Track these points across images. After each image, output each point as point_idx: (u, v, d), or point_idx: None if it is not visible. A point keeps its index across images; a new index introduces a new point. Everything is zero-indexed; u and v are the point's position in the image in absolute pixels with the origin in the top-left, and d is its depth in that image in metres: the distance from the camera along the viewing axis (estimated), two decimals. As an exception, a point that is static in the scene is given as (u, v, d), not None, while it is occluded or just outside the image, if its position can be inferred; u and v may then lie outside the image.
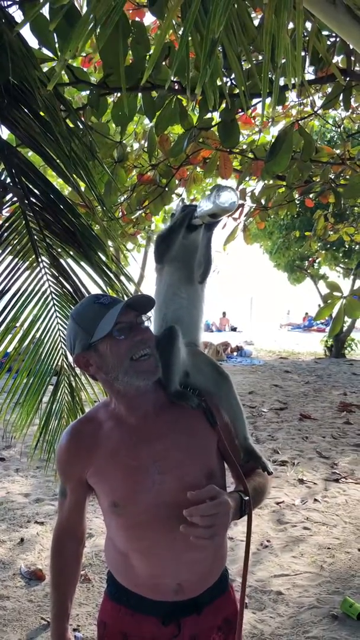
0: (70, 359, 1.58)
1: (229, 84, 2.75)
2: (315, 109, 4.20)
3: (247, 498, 1.27)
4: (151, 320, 1.35)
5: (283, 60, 1.29)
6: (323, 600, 3.03)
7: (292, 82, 1.40)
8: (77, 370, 2.90)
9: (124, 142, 3.16)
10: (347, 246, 12.69)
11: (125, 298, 1.85)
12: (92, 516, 3.94)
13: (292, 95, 5.59)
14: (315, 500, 4.47)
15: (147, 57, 2.39)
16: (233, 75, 2.59)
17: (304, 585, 3.19)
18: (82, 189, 2.44)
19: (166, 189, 3.55)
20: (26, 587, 3.21)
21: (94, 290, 2.56)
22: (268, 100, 2.69)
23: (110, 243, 2.58)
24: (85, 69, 2.98)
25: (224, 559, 1.43)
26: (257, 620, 2.87)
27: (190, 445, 1.32)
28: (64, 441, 1.39)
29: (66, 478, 1.42)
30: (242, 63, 2.00)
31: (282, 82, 2.88)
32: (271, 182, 4.50)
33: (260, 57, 2.66)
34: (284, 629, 2.79)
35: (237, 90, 2.64)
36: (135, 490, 1.29)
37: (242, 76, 1.86)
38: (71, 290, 2.66)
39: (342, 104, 3.03)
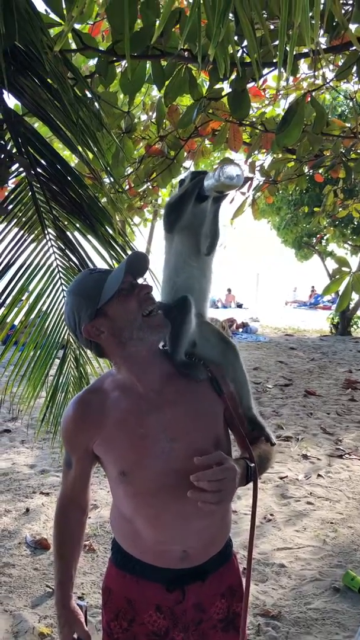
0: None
1: (240, 52, 2.67)
2: (328, 80, 4.10)
3: (252, 465, 1.28)
4: (147, 281, 1.36)
5: (298, 23, 1.24)
6: (325, 573, 3.06)
7: (306, 50, 1.36)
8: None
9: (131, 112, 3.10)
10: (355, 223, 12.55)
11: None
12: (97, 487, 3.99)
13: (303, 67, 5.46)
14: (319, 475, 4.50)
15: (157, 23, 2.33)
16: (245, 44, 2.52)
17: (307, 559, 3.23)
18: (90, 159, 2.39)
19: (174, 161, 3.49)
20: (31, 556, 3.26)
21: (100, 263, 2.55)
22: (279, 73, 2.63)
23: (117, 216, 2.55)
24: (94, 38, 2.91)
25: (229, 528, 1.44)
26: (260, 592, 2.91)
27: (198, 413, 1.32)
28: (70, 411, 1.39)
29: (72, 448, 1.42)
30: (255, 30, 1.94)
31: (295, 51, 2.81)
32: (280, 155, 4.43)
33: (272, 27, 2.57)
34: (285, 601, 2.83)
35: (248, 59, 2.58)
36: (144, 457, 1.29)
37: (254, 43, 1.80)
38: (77, 263, 2.64)
39: (355, 75, 2.95)
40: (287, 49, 1.26)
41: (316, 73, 5.70)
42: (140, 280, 1.34)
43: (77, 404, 1.39)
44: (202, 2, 1.49)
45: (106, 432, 1.33)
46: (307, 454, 5.00)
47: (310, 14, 1.20)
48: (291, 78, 6.00)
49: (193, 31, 2.37)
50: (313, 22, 1.43)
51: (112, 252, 2.51)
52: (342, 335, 14.10)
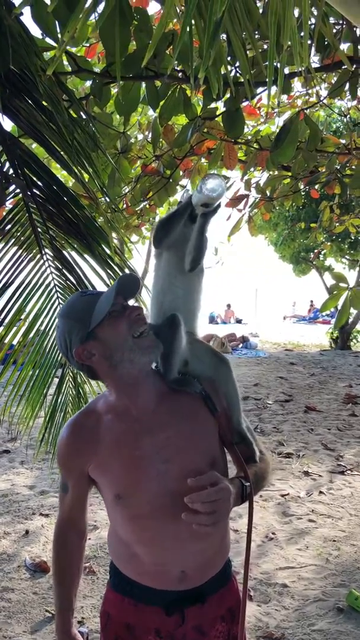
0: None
1: (233, 72, 2.71)
2: (321, 98, 4.15)
3: (247, 484, 1.27)
4: (138, 303, 1.36)
5: (289, 44, 1.26)
6: (328, 593, 3.02)
7: (298, 69, 1.38)
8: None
9: (127, 132, 3.12)
10: (352, 238, 12.60)
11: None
12: (97, 508, 3.95)
13: (297, 86, 5.53)
14: (321, 492, 4.46)
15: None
16: (237, 64, 2.55)
17: (309, 578, 3.18)
18: (86, 180, 2.41)
19: (170, 180, 3.51)
20: (31, 579, 3.21)
21: (97, 282, 2.55)
22: (273, 90, 2.64)
23: (114, 235, 2.56)
24: (89, 60, 2.94)
25: (228, 549, 1.43)
26: (262, 613, 2.86)
27: (193, 433, 1.32)
28: (64, 435, 1.38)
29: (67, 472, 1.41)
30: (247, 51, 1.97)
31: (287, 70, 2.84)
32: (276, 172, 4.46)
33: (265, 46, 2.60)
34: (289, 622, 2.78)
35: (241, 79, 2.61)
36: (139, 480, 1.28)
37: (246, 63, 1.83)
38: (75, 282, 2.65)
39: (348, 93, 2.99)
40: (278, 67, 1.27)
41: (310, 91, 5.77)
42: (131, 302, 1.34)
43: (71, 427, 1.38)
44: (193, 23, 1.51)
45: (101, 455, 1.32)
46: (308, 470, 4.96)
47: (301, 34, 1.21)
48: (285, 96, 6.08)
49: (185, 52, 2.41)
50: (302, 42, 1.45)
51: (109, 272, 2.51)
52: (341, 349, 14.07)
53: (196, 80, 2.46)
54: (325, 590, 3.05)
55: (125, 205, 4.11)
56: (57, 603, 1.46)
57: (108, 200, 2.52)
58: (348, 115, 4.10)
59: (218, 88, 1.96)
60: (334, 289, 3.23)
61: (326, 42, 2.41)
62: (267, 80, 2.69)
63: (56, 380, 2.87)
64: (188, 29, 1.29)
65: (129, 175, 3.70)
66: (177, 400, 1.34)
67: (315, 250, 14.14)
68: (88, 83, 3.44)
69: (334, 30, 2.73)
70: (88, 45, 3.35)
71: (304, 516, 4.00)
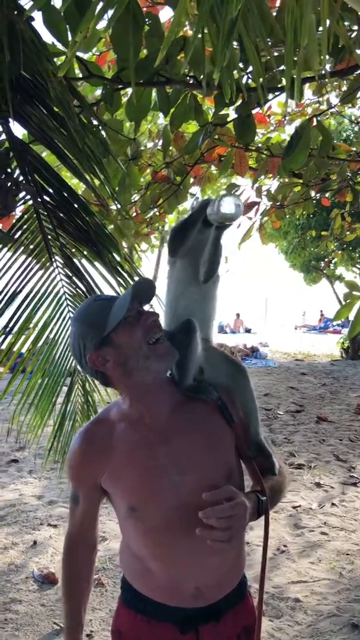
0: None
1: (245, 78, 2.68)
2: (334, 105, 4.12)
3: (264, 498, 1.22)
4: (153, 308, 1.33)
5: (304, 45, 1.22)
6: (342, 608, 2.95)
7: (315, 74, 1.35)
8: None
9: (137, 139, 3.11)
10: (363, 246, 12.54)
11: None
12: (106, 519, 3.90)
13: (307, 93, 5.51)
14: (333, 504, 4.38)
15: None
16: (249, 69, 2.53)
17: (323, 593, 3.11)
18: (96, 186, 2.39)
19: (181, 187, 3.49)
20: (39, 591, 3.17)
21: (107, 290, 2.52)
22: (284, 97, 2.62)
23: (124, 243, 2.53)
24: (100, 66, 2.94)
25: (243, 565, 1.38)
26: (275, 629, 2.79)
27: (208, 444, 1.27)
28: (76, 445, 1.34)
29: (79, 483, 1.36)
30: (260, 55, 1.94)
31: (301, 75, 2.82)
32: (287, 180, 4.43)
33: (276, 54, 2.57)
34: (302, 638, 2.71)
35: (253, 85, 2.58)
36: (154, 492, 1.24)
37: (259, 68, 1.80)
38: (85, 290, 2.63)
39: (361, 98, 2.96)
40: (294, 75, 1.24)
41: (320, 99, 5.75)
42: (146, 307, 1.31)
43: (83, 436, 1.34)
44: (206, 28, 1.48)
45: (114, 465, 1.28)
46: (320, 482, 4.89)
47: (318, 35, 1.18)
48: (295, 104, 6.07)
49: (197, 57, 2.39)
50: (320, 45, 1.42)
51: (119, 279, 2.49)
52: (352, 359, 13.96)
53: (208, 85, 2.44)
54: (339, 605, 2.97)
55: (134, 213, 4.09)
56: (66, 618, 1.42)
57: (119, 207, 2.50)
58: (357, 124, 4.05)
59: (231, 93, 1.95)
60: (348, 298, 3.18)
61: (340, 46, 2.38)
62: (279, 85, 2.67)
63: (65, 388, 2.84)
64: (200, 33, 1.26)
65: (139, 182, 3.68)
66: (192, 409, 1.30)
67: (326, 259, 14.08)
68: (98, 92, 3.44)
69: (349, 34, 2.71)
70: (99, 54, 3.35)
71: (316, 528, 3.93)
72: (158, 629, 1.29)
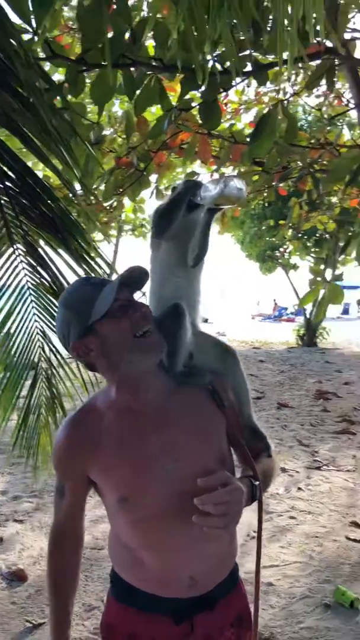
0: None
1: (211, 62, 2.64)
2: (295, 92, 4.12)
3: (257, 483, 1.21)
4: (146, 297, 1.28)
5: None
6: (314, 589, 2.99)
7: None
8: (55, 363, 2.80)
9: (100, 123, 3.03)
10: (317, 235, 12.74)
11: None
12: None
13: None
14: (299, 489, 4.44)
15: (129, 30, 2.28)
16: (216, 52, 2.49)
17: (295, 575, 3.15)
18: (63, 170, 2.31)
19: (144, 173, 3.43)
20: (8, 589, 3.08)
21: (73, 279, 2.45)
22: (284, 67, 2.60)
23: (92, 229, 2.46)
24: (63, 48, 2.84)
25: (236, 551, 1.36)
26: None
27: (201, 430, 1.24)
28: (62, 435, 1.28)
29: (65, 475, 1.31)
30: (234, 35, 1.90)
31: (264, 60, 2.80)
32: (247, 168, 4.42)
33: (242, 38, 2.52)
34: (277, 621, 2.74)
35: (220, 69, 2.54)
36: (146, 481, 1.20)
37: (234, 48, 1.77)
38: (49, 280, 2.54)
39: (325, 84, 2.96)
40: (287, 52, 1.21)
41: (278, 87, 5.77)
42: (139, 294, 1.25)
43: (70, 426, 1.28)
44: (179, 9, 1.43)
45: (103, 456, 1.23)
46: (285, 467, 4.95)
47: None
48: (253, 93, 6.05)
49: (163, 37, 2.33)
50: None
51: (85, 267, 2.42)
52: (308, 346, 14.24)
53: (175, 68, 2.39)
54: (311, 587, 3.02)
55: (94, 201, 4.01)
56: (52, 615, 1.37)
57: (84, 192, 2.43)
58: (323, 109, 4.09)
59: (203, 75, 1.90)
60: (313, 284, 3.20)
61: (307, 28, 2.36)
62: (245, 70, 2.63)
63: (28, 382, 2.76)
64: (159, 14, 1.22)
65: (101, 169, 3.60)
66: (183, 395, 1.26)
67: (282, 249, 14.26)
68: (56, 77, 3.34)
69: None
70: (59, 33, 3.24)
71: (284, 513, 3.98)
72: (151, 621, 1.25)
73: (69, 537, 1.37)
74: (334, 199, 7.09)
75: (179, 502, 1.16)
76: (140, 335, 1.18)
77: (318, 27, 1.73)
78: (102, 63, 2.33)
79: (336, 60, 2.79)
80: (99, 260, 2.58)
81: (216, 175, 4.63)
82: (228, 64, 2.54)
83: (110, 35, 2.26)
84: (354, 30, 3.11)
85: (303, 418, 6.71)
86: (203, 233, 1.31)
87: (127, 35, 2.32)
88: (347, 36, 2.82)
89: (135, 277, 1.22)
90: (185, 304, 1.28)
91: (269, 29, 2.36)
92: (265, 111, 5.14)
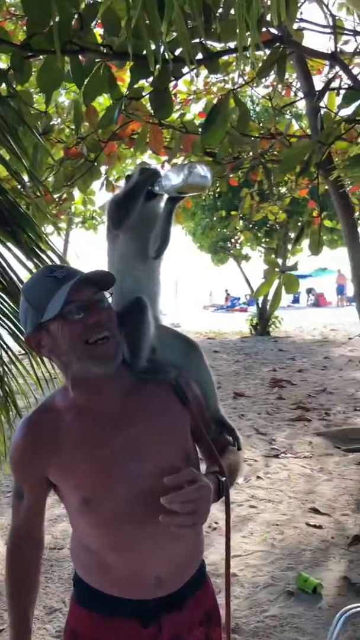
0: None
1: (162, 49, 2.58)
2: (247, 79, 4.11)
3: (224, 479, 1.19)
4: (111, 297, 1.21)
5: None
6: (277, 577, 3.02)
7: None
8: (6, 360, 2.71)
9: (48, 112, 2.93)
10: (268, 226, 12.87)
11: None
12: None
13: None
14: (258, 477, 4.48)
15: (76, 15, 2.20)
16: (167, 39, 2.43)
17: (257, 565, 3.17)
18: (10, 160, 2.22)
19: (95, 163, 3.35)
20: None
21: (23, 274, 2.37)
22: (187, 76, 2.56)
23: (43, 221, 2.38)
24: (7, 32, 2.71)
25: (202, 548, 1.34)
26: (214, 605, 2.81)
27: (165, 427, 1.21)
28: (19, 436, 1.22)
29: (23, 477, 1.25)
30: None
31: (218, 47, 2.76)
32: (198, 158, 4.40)
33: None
34: (242, 611, 2.74)
35: (171, 56, 2.49)
36: (109, 482, 1.16)
37: (186, 34, 1.72)
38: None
39: (276, 72, 2.95)
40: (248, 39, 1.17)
41: (226, 77, 5.75)
42: (106, 294, 1.17)
43: (27, 427, 1.22)
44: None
45: (63, 457, 1.18)
46: (243, 456, 4.98)
47: None
48: (201, 83, 6.01)
49: (112, 22, 2.26)
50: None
51: (36, 261, 2.34)
52: (261, 335, 14.43)
53: (125, 55, 2.32)
54: (273, 575, 3.04)
55: (43, 193, 3.89)
56: (12, 622, 1.31)
57: (33, 183, 2.34)
58: (272, 98, 4.09)
59: (155, 61, 1.85)
60: (268, 274, 3.21)
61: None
62: (197, 58, 2.59)
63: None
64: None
65: (49, 160, 3.49)
66: (145, 392, 1.22)
67: (233, 239, 14.35)
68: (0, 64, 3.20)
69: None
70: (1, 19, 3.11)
71: (244, 502, 4.00)
72: (117, 625, 1.21)
73: (28, 541, 1.32)
74: (283, 190, 7.18)
75: (143, 502, 1.13)
76: (92, 342, 1.12)
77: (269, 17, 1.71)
78: (49, 49, 2.24)
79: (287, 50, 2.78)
80: (50, 253, 2.51)
81: (168, 167, 4.57)
82: (178, 52, 2.51)
83: (57, 20, 2.18)
84: (302, 20, 3.11)
85: (259, 407, 6.79)
86: (165, 223, 1.27)
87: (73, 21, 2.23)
88: (294, 26, 2.83)
89: (101, 276, 1.15)
90: (147, 297, 1.24)
91: (219, 14, 2.33)
92: (215, 101, 5.11)
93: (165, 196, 1.25)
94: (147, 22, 1.73)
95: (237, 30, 1.23)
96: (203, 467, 1.30)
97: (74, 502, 1.20)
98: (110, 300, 1.17)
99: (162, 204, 1.30)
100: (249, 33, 1.57)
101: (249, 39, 1.26)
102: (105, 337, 1.13)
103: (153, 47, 1.70)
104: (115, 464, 1.16)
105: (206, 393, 1.31)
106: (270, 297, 2.89)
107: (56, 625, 2.71)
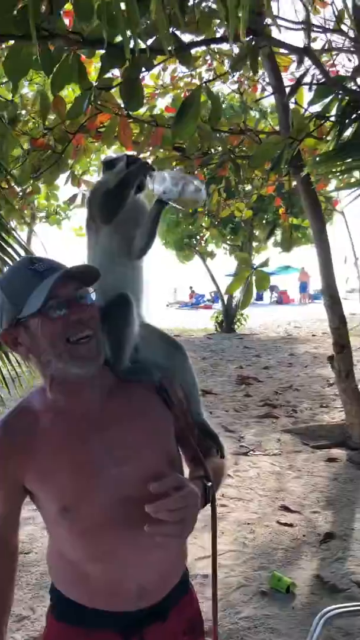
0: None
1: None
2: (216, 74, 4.07)
3: (210, 484, 1.14)
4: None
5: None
6: (250, 577, 2.98)
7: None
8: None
9: (15, 102, 2.82)
10: (234, 223, 12.90)
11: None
12: None
13: (180, 67, 5.44)
14: (228, 475, 4.45)
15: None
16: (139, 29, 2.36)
17: (229, 565, 3.13)
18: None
19: (62, 155, 3.25)
20: None
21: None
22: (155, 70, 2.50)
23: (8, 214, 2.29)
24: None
25: (186, 556, 1.28)
26: (187, 608, 2.76)
27: (148, 430, 1.14)
28: None
29: None
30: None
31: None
32: (167, 153, 4.34)
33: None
34: (215, 613, 2.70)
35: (142, 46, 2.42)
36: (89, 489, 1.09)
37: (165, 20, 1.66)
38: None
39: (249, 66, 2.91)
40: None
41: (193, 72, 5.69)
42: (89, 290, 1.10)
43: (1, 431, 1.14)
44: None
45: (40, 463, 1.10)
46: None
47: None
48: (168, 77, 5.94)
49: (87, 10, 2.17)
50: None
51: (3, 257, 2.25)
52: (227, 332, 14.47)
53: (97, 43, 2.24)
54: (246, 575, 3.01)
55: (7, 186, 3.77)
56: None
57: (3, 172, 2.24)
58: (242, 94, 4.06)
59: (132, 51, 1.77)
60: (239, 271, 3.17)
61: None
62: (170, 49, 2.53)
63: None
64: None
65: (14, 152, 3.38)
66: (128, 393, 1.16)
67: (200, 236, 14.34)
68: None
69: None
70: None
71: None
72: (98, 638, 1.15)
73: (2, 552, 1.23)
74: (248, 187, 7.18)
75: (125, 510, 1.07)
76: (74, 341, 1.05)
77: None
78: (17, 34, 2.14)
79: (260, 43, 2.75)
80: (16, 246, 2.42)
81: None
82: (150, 42, 2.44)
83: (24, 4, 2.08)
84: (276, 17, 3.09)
85: (227, 404, 6.77)
86: (152, 223, 1.22)
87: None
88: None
89: (85, 271, 1.09)
90: (130, 293, 1.17)
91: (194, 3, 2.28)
92: (182, 95, 5.06)
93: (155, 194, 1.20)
94: (124, 8, 1.67)
95: (229, 21, 1.16)
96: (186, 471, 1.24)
97: (52, 509, 1.12)
98: (93, 296, 1.09)
99: (145, 198, 1.24)
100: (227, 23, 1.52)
101: (242, 26, 1.20)
102: (87, 336, 1.06)
103: (129, 33, 1.63)
104: (95, 469, 1.09)
105: (189, 395, 1.26)
106: (238, 293, 2.86)
107: (24, 633, 2.61)
